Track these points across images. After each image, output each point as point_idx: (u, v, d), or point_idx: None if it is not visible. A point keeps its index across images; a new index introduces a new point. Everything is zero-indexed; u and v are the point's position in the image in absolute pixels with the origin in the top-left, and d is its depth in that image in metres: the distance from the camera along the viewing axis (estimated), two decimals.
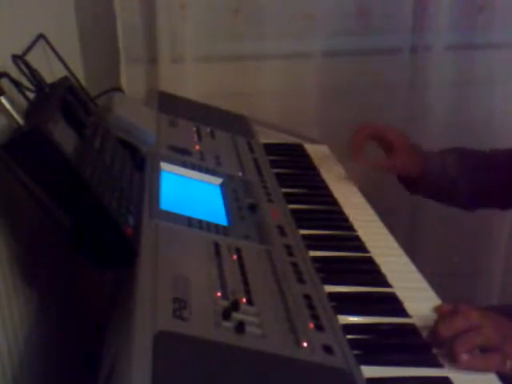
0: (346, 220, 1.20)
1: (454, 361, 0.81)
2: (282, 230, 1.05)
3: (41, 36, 1.07)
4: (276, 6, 1.83)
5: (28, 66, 0.94)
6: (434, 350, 0.84)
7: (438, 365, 0.82)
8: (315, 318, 0.82)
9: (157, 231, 0.89)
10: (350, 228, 1.17)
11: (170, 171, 1.11)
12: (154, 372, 0.61)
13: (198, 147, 1.25)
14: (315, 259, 1.02)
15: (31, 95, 0.93)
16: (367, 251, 1.09)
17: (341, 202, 1.27)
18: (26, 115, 0.85)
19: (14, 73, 0.90)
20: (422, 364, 0.82)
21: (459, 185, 1.36)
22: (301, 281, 0.91)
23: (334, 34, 1.88)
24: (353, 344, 0.82)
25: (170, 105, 1.45)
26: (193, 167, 1.15)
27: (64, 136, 0.82)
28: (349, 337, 0.83)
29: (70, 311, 1.07)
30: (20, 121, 0.82)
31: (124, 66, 1.79)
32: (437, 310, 0.91)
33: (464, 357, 0.81)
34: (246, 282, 0.83)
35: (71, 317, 1.08)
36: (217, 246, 0.90)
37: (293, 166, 1.44)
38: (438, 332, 0.84)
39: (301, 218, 1.15)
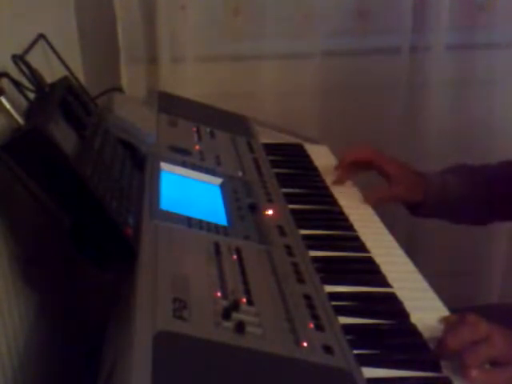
0: (346, 220, 1.20)
1: (462, 374, 0.79)
2: (281, 230, 1.05)
3: (41, 36, 1.07)
4: (276, 6, 1.84)
5: (28, 65, 0.94)
6: (443, 363, 0.82)
7: (437, 365, 0.82)
8: (315, 317, 0.82)
9: (157, 231, 0.89)
10: (350, 228, 1.17)
11: (170, 171, 1.11)
12: (154, 372, 0.61)
13: (198, 147, 1.25)
14: (315, 259, 1.02)
15: (31, 95, 0.93)
16: (367, 251, 1.09)
17: (341, 202, 1.27)
18: (26, 115, 0.85)
19: (14, 73, 0.90)
20: (422, 364, 0.82)
21: (462, 204, 1.34)
22: (301, 281, 0.91)
23: (334, 34, 1.88)
24: (353, 344, 0.82)
25: (170, 105, 1.45)
26: (193, 167, 1.15)
27: (64, 136, 0.82)
28: (349, 337, 0.83)
29: (70, 311, 1.07)
30: (20, 121, 0.82)
31: (124, 66, 1.80)
32: (444, 320, 0.89)
33: (474, 373, 0.79)
34: (245, 282, 0.83)
35: (71, 317, 1.08)
36: (217, 245, 0.90)
37: (293, 166, 1.44)
38: (446, 343, 0.82)
39: (301, 218, 1.15)
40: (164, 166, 1.11)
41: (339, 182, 1.34)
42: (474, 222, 1.43)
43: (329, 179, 1.37)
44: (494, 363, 0.82)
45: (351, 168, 1.36)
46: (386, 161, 1.35)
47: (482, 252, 2.02)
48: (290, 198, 1.23)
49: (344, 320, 0.88)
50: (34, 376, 0.91)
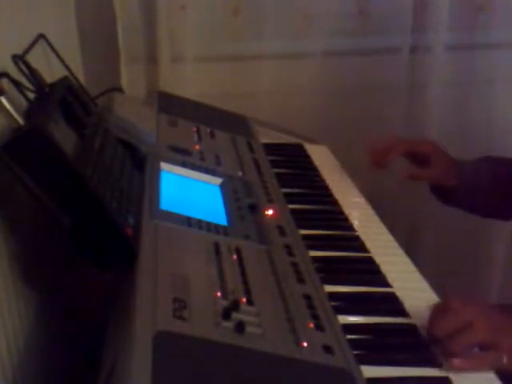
0: (346, 220, 1.20)
1: (448, 363, 0.81)
2: (281, 230, 1.05)
3: (41, 36, 1.07)
4: (276, 6, 1.84)
5: (28, 66, 0.94)
6: (433, 348, 0.84)
7: (437, 365, 0.82)
8: (315, 317, 0.82)
9: (157, 231, 0.89)
10: (350, 228, 1.17)
11: (170, 171, 1.11)
12: (154, 372, 0.61)
13: (198, 147, 1.25)
14: (315, 259, 1.02)
15: (31, 95, 0.93)
16: (367, 251, 1.09)
17: (341, 202, 1.27)
18: (26, 115, 0.85)
19: (14, 73, 0.90)
20: (422, 364, 0.82)
21: (494, 193, 1.34)
22: (301, 281, 0.91)
23: (334, 34, 1.88)
24: (353, 344, 0.82)
25: (170, 105, 1.45)
26: (193, 167, 1.15)
27: (64, 136, 0.82)
28: (349, 337, 0.83)
29: (70, 311, 1.07)
30: (20, 121, 0.82)
31: (124, 66, 1.80)
32: (431, 308, 0.90)
33: (455, 362, 0.81)
34: (245, 282, 0.83)
35: (71, 317, 1.08)
36: (217, 245, 0.90)
37: (293, 166, 1.44)
38: (431, 332, 0.85)
39: (301, 218, 1.15)
40: (164, 165, 1.11)
41: (381, 165, 1.32)
42: (507, 216, 1.42)
43: (329, 179, 1.37)
44: (481, 347, 0.83)
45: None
46: (423, 142, 1.36)
47: (482, 252, 2.02)
48: (290, 197, 1.23)
49: (344, 320, 0.88)
50: (34, 376, 0.91)
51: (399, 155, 1.34)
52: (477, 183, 1.34)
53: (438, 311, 0.87)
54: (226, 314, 0.74)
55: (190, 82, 1.81)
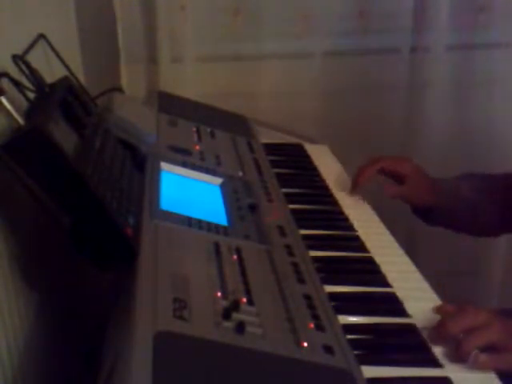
0: (346, 220, 1.20)
1: (460, 358, 0.82)
2: (281, 230, 1.05)
3: (41, 36, 1.07)
4: (276, 6, 1.84)
5: (28, 65, 0.94)
6: (435, 348, 0.84)
7: (437, 365, 0.82)
8: (315, 317, 0.82)
9: (157, 231, 0.89)
10: (350, 228, 1.17)
11: (170, 171, 1.11)
12: (154, 372, 0.61)
13: (198, 147, 1.25)
14: (315, 259, 1.02)
15: (31, 95, 0.93)
16: (367, 251, 1.09)
17: (341, 202, 1.27)
18: (26, 115, 0.85)
19: (14, 73, 0.90)
20: (422, 364, 0.82)
21: (476, 208, 1.33)
22: (301, 281, 0.91)
23: (334, 34, 1.88)
24: (353, 344, 0.82)
25: (170, 105, 1.45)
26: (193, 167, 1.15)
27: (64, 136, 0.82)
28: (349, 337, 0.83)
29: (70, 311, 1.07)
30: (20, 121, 0.82)
31: (124, 66, 1.80)
32: (439, 309, 0.91)
33: (482, 357, 0.81)
34: (246, 282, 0.83)
35: (71, 317, 1.08)
36: (217, 245, 0.90)
37: (293, 166, 1.44)
38: (446, 327, 0.85)
39: (301, 218, 1.15)
40: (164, 165, 1.11)
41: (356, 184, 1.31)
42: (492, 231, 1.41)
43: (329, 179, 1.37)
44: (491, 349, 0.83)
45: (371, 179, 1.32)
46: (401, 162, 1.33)
47: (482, 252, 2.02)
48: (290, 197, 1.23)
49: (344, 320, 0.88)
50: (34, 376, 0.91)
51: (376, 172, 1.31)
52: (457, 201, 1.33)
53: (452, 310, 0.88)
54: (226, 314, 0.74)
55: (190, 82, 1.81)
